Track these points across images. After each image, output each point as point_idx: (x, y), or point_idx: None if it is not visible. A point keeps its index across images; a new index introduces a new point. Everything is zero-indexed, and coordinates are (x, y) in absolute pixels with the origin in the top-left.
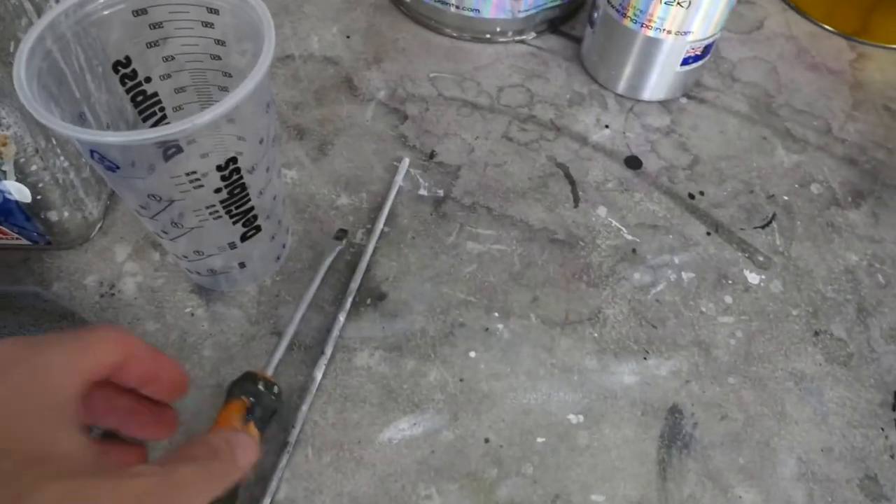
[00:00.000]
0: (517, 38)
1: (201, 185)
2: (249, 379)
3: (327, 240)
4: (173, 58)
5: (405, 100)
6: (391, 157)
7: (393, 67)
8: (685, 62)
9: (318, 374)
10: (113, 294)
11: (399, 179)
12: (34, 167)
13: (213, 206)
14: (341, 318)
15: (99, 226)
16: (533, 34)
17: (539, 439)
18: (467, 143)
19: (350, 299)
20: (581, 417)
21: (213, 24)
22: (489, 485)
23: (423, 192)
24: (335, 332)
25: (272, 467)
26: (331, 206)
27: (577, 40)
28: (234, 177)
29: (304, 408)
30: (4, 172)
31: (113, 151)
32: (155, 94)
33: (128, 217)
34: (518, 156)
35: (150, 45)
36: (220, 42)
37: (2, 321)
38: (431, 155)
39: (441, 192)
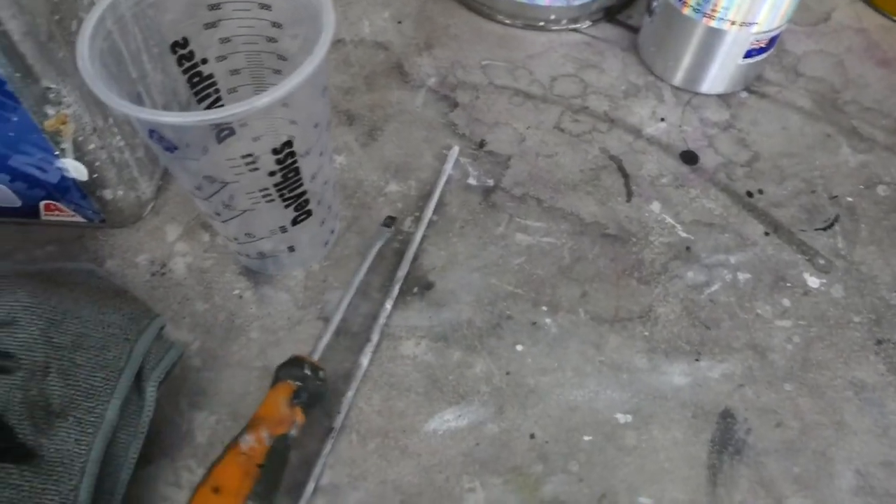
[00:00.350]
0: (571, 26)
1: (256, 168)
2: (297, 363)
3: (376, 226)
4: (229, 39)
5: (456, 87)
6: (441, 145)
7: (444, 54)
8: (748, 55)
9: (364, 361)
10: (164, 273)
11: (448, 168)
12: (92, 146)
13: (267, 189)
14: (388, 305)
15: (151, 206)
16: (588, 23)
17: (586, 437)
18: (518, 133)
19: (397, 287)
20: (629, 417)
21: (270, 7)
22: (534, 481)
23: (472, 181)
24: (381, 320)
25: (316, 452)
26: (379, 193)
27: (634, 30)
28: (289, 161)
29: (350, 394)
30: (63, 150)
31: (171, 132)
32: (210, 76)
33: (179, 198)
34: (570, 147)
35: (206, 26)
36: (276, 24)
37: (58, 297)
38: (481, 144)
39: (491, 182)
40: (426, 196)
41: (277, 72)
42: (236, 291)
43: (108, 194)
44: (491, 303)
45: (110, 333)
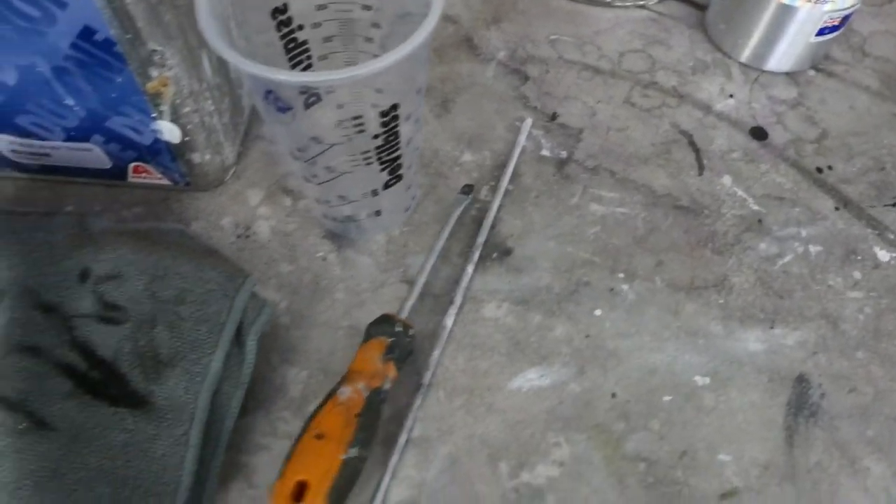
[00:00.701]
0: (638, 2)
1: (363, 131)
2: (388, 321)
3: (453, 194)
4: (325, 6)
5: (525, 61)
6: (512, 117)
7: (512, 28)
8: (821, 33)
9: (449, 322)
10: (248, 236)
11: (522, 139)
12: (186, 109)
13: (368, 152)
14: (469, 269)
15: (233, 171)
16: (656, 0)
17: (665, 397)
18: (589, 107)
19: (478, 252)
20: (707, 380)
21: None
22: (616, 438)
23: (545, 152)
24: (464, 283)
25: (407, 407)
26: (455, 163)
27: (700, 7)
28: (392, 124)
29: (436, 353)
30: (161, 112)
31: (291, 92)
32: (305, 42)
33: (258, 164)
34: (640, 121)
35: None
36: None
37: (158, 254)
38: (553, 117)
39: (564, 154)
40: (501, 166)
41: (369, 40)
42: (320, 254)
43: (196, 158)
44: (568, 269)
45: (209, 289)
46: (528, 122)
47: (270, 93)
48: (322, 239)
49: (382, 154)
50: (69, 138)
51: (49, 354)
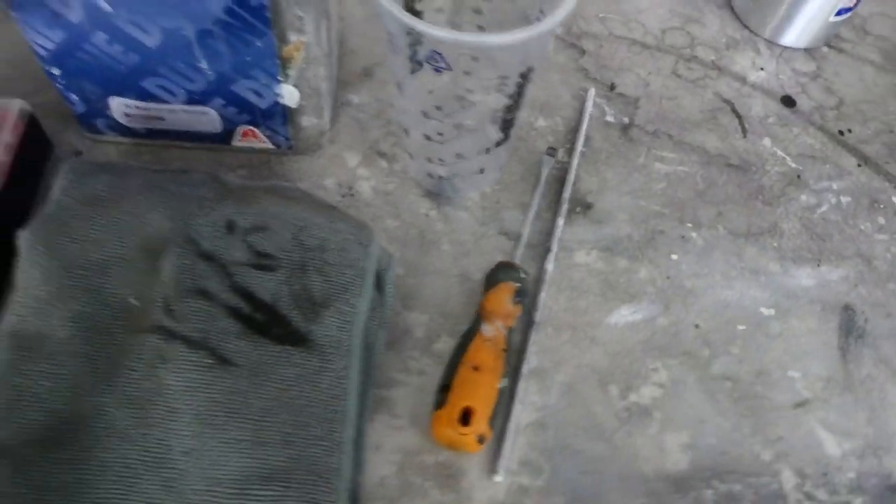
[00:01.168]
0: None
1: (501, 90)
2: (511, 267)
3: (533, 156)
4: None
5: (580, 36)
6: (576, 87)
7: None
8: (839, 13)
9: (550, 267)
10: (352, 195)
11: (589, 107)
12: (308, 73)
13: (498, 111)
14: (560, 221)
15: (327, 135)
16: None
17: (739, 327)
18: (641, 78)
19: (565, 206)
20: (772, 311)
21: None
22: (704, 361)
23: (609, 118)
24: (558, 233)
25: (524, 341)
26: (531, 127)
27: None
28: (525, 85)
29: (543, 294)
30: (287, 76)
31: (451, 52)
32: (419, 13)
33: (350, 129)
34: (687, 91)
35: None
36: None
37: (292, 208)
38: (612, 87)
39: (626, 120)
40: (572, 131)
41: (477, 11)
42: (422, 211)
43: (304, 121)
44: (643, 220)
45: (345, 238)
46: (592, 91)
47: (436, 53)
48: (421, 197)
49: (507, 113)
50: (190, 101)
51: (217, 298)
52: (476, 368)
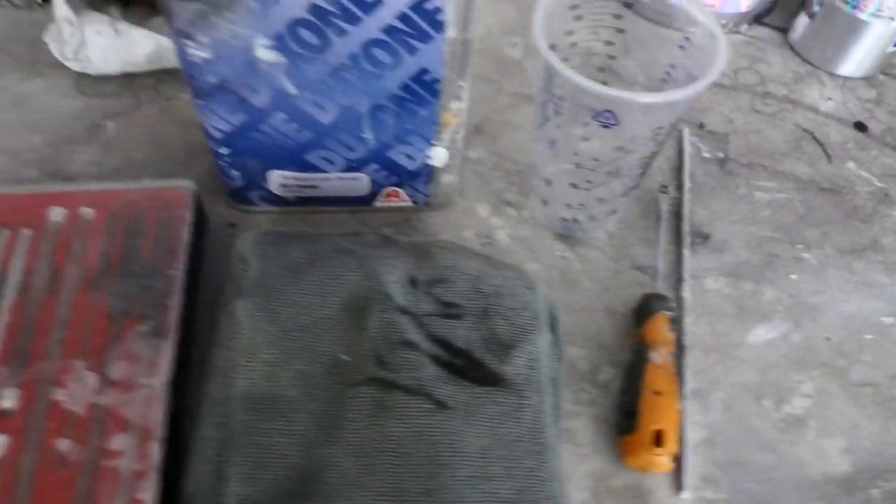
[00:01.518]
0: (734, 29)
1: (656, 137)
2: (661, 298)
3: (651, 193)
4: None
5: None
6: None
7: (641, 55)
8: None
9: (687, 295)
10: (491, 244)
11: (686, 145)
12: (457, 136)
13: (646, 157)
14: (686, 252)
15: (459, 190)
16: (745, 26)
17: (866, 336)
18: (725, 116)
19: (688, 238)
20: (892, 319)
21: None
22: (842, 370)
23: (706, 154)
24: (687, 263)
25: (679, 365)
26: None
27: (781, 30)
28: (670, 132)
29: (687, 321)
30: (440, 140)
31: (625, 110)
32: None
33: (474, 183)
34: (769, 124)
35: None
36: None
37: (456, 260)
38: (701, 125)
39: (721, 154)
40: (675, 168)
41: (602, 70)
42: (558, 253)
43: (445, 179)
44: (757, 245)
45: (513, 283)
46: (686, 130)
47: (609, 112)
48: (554, 240)
49: (651, 158)
50: (347, 169)
51: (420, 347)
52: (657, 393)
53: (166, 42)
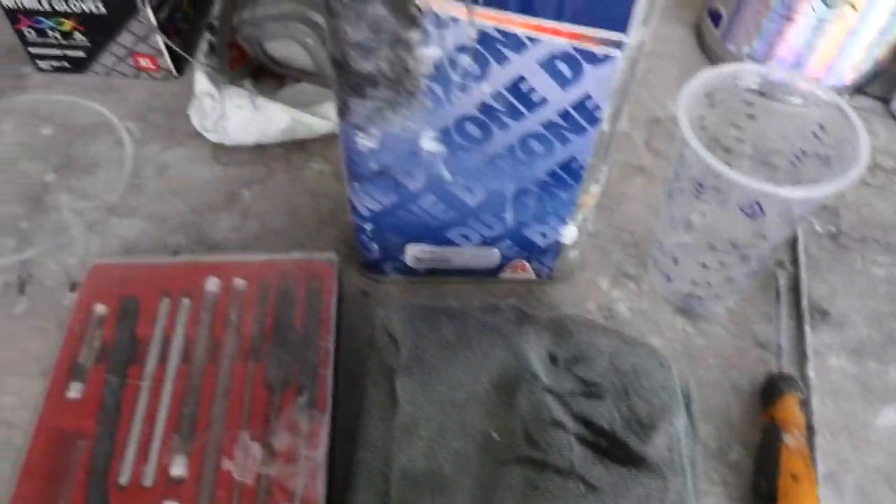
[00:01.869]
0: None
1: (796, 225)
2: (790, 379)
3: (772, 268)
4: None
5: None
6: None
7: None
8: None
9: (812, 374)
10: (612, 317)
11: None
12: (590, 214)
13: (782, 242)
14: (807, 328)
15: (581, 264)
16: (847, 97)
17: None
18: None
19: (808, 314)
20: None
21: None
22: None
23: (818, 228)
24: (809, 340)
25: (809, 447)
26: None
27: (882, 100)
28: (801, 218)
29: (815, 401)
30: (574, 219)
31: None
32: None
33: (594, 256)
34: (879, 197)
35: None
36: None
37: (591, 337)
38: None
39: (833, 229)
40: (789, 243)
41: (728, 150)
42: (679, 326)
43: (571, 254)
44: (878, 321)
45: (649, 361)
46: None
47: (756, 203)
48: (674, 314)
49: (784, 243)
50: (482, 244)
51: (567, 427)
52: (795, 478)
53: (300, 116)
